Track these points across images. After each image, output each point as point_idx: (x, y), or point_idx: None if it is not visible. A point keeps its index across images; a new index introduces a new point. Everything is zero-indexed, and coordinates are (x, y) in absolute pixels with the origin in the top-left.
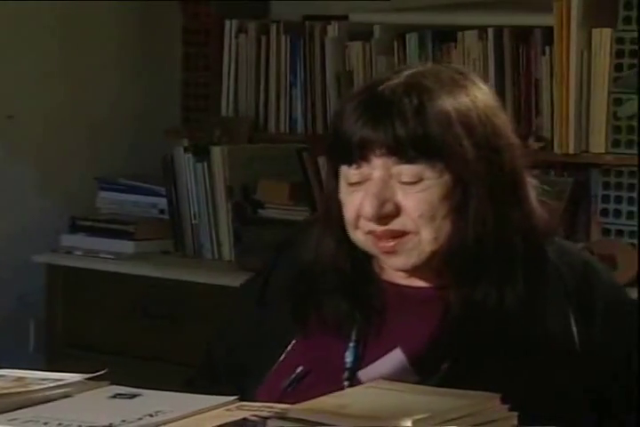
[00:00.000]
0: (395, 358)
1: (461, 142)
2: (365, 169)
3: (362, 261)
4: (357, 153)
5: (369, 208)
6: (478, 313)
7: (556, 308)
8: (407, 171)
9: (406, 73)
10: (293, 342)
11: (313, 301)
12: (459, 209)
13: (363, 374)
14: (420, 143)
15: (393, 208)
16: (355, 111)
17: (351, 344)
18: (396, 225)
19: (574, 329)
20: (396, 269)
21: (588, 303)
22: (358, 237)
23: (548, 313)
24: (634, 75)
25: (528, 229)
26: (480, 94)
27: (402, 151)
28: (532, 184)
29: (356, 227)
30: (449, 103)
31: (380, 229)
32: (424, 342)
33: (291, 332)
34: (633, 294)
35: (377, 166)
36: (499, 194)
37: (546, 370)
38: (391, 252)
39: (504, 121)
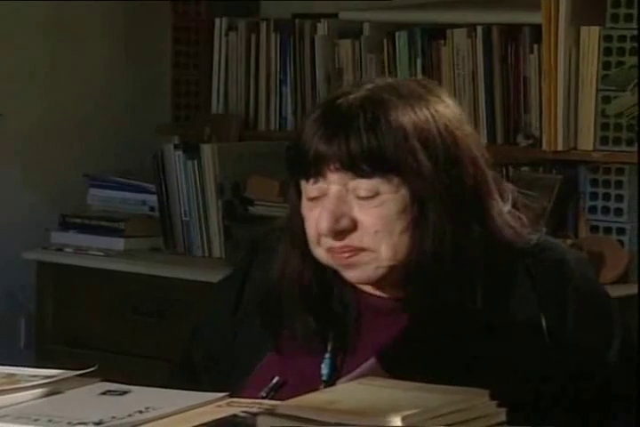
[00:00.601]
0: (370, 369)
1: (417, 157)
2: (322, 184)
3: (328, 275)
4: (313, 168)
5: (325, 223)
6: (439, 324)
7: (524, 307)
8: (363, 185)
9: (367, 86)
10: (268, 354)
11: (283, 319)
12: (417, 224)
13: (339, 384)
14: (373, 158)
15: (349, 223)
16: (312, 125)
17: (327, 356)
18: (353, 241)
19: (544, 325)
20: (354, 282)
21: (559, 298)
22: (319, 253)
23: (515, 314)
24: (622, 72)
25: (491, 244)
26: (442, 108)
27: (356, 166)
28: (510, 190)
29: (318, 243)
30: (406, 117)
31: (337, 244)
32: (397, 351)
33: (264, 344)
34: (619, 290)
35: (333, 181)
36: (459, 208)
37: (517, 372)
38: (349, 265)
39: (468, 134)
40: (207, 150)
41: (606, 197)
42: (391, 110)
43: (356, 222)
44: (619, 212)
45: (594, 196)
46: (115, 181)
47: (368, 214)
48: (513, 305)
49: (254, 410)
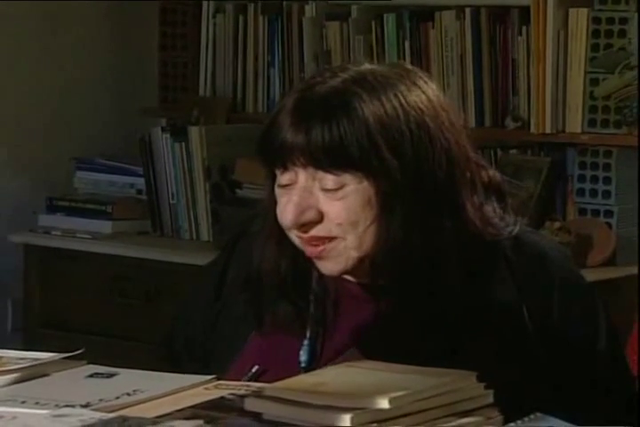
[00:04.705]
0: (351, 358)
1: (380, 153)
2: (291, 173)
3: (305, 260)
4: (280, 158)
5: (290, 216)
6: (416, 311)
7: (503, 296)
8: (329, 177)
9: (340, 75)
10: (252, 334)
11: (264, 300)
12: (383, 217)
13: None
14: (335, 153)
15: (314, 215)
16: (281, 114)
17: (305, 342)
18: (320, 231)
19: (525, 314)
20: (327, 273)
21: (540, 287)
22: (293, 238)
23: (493, 301)
24: (610, 54)
25: (464, 235)
26: (415, 97)
27: (318, 160)
28: (493, 178)
29: (289, 230)
30: (372, 110)
31: (305, 235)
32: (376, 339)
33: (248, 325)
34: (608, 273)
35: (300, 172)
36: (429, 201)
37: (496, 357)
38: (318, 257)
39: (442, 121)
40: (195, 133)
41: (594, 179)
42: (356, 104)
43: (322, 214)
44: (607, 194)
45: (582, 178)
46: (102, 164)
47: (332, 206)
48: (492, 295)
49: (242, 392)
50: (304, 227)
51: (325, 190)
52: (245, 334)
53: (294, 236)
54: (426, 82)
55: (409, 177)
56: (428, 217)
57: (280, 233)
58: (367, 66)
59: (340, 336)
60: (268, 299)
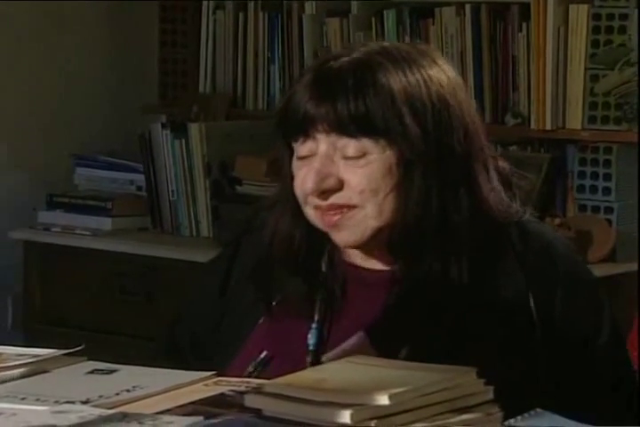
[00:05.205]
0: (358, 342)
1: (404, 121)
2: (312, 143)
3: (321, 242)
4: (302, 128)
5: (310, 183)
6: (423, 290)
7: (512, 288)
8: (351, 145)
9: (361, 49)
10: (260, 321)
11: (274, 283)
12: (402, 186)
13: (326, 358)
14: (360, 120)
15: (335, 183)
16: (303, 86)
17: (314, 325)
18: (340, 199)
19: (533, 307)
20: (342, 245)
21: (547, 281)
22: (309, 212)
23: (503, 294)
24: (610, 51)
25: (478, 213)
26: (436, 73)
27: (343, 127)
28: (503, 168)
29: (306, 202)
30: (396, 80)
31: (324, 203)
32: (384, 325)
33: (256, 314)
34: (607, 269)
35: (322, 141)
36: (447, 174)
37: (502, 347)
38: (336, 225)
39: (461, 100)
40: (194, 130)
41: (594, 175)
42: (381, 73)
43: (343, 182)
44: (607, 191)
45: (582, 175)
46: (102, 161)
47: (354, 174)
48: (500, 279)
49: (242, 389)
50: (323, 194)
51: (347, 158)
52: (252, 324)
53: (310, 210)
54: (444, 62)
55: (430, 147)
56: (445, 190)
57: (296, 208)
58: (385, 43)
59: (348, 320)
60: (278, 279)
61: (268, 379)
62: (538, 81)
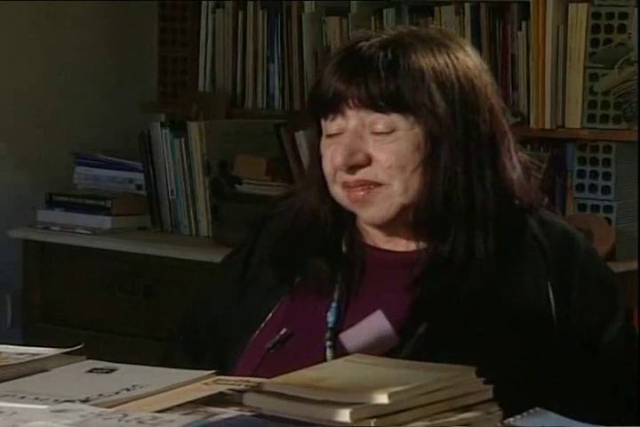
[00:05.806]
0: (376, 320)
1: (433, 98)
2: (341, 121)
3: (345, 222)
4: (332, 105)
5: (339, 157)
6: (447, 268)
7: (533, 275)
8: (380, 120)
9: (389, 32)
10: (281, 299)
11: (297, 260)
12: (429, 163)
13: (344, 336)
14: (391, 97)
15: (363, 158)
16: (333, 66)
17: (333, 304)
18: (367, 175)
19: (551, 297)
20: (369, 221)
21: (566, 273)
22: (336, 190)
23: (524, 279)
24: (609, 50)
25: (503, 193)
26: (462, 56)
27: (374, 102)
28: (522, 157)
29: (334, 180)
30: (425, 60)
31: (352, 178)
32: (403, 305)
33: (277, 293)
34: None
35: (351, 116)
36: (473, 153)
37: (519, 335)
38: (362, 201)
39: (486, 84)
40: (194, 128)
41: (594, 174)
42: (411, 52)
43: (371, 158)
44: (606, 190)
45: (581, 173)
46: (101, 160)
47: (382, 150)
48: (521, 263)
49: (241, 388)
50: (351, 169)
51: (376, 134)
52: (272, 304)
53: (338, 188)
54: (471, 48)
55: (457, 125)
56: (471, 168)
57: (323, 186)
58: (413, 27)
59: (367, 300)
60: (300, 258)
61: (286, 356)
62: (537, 80)
